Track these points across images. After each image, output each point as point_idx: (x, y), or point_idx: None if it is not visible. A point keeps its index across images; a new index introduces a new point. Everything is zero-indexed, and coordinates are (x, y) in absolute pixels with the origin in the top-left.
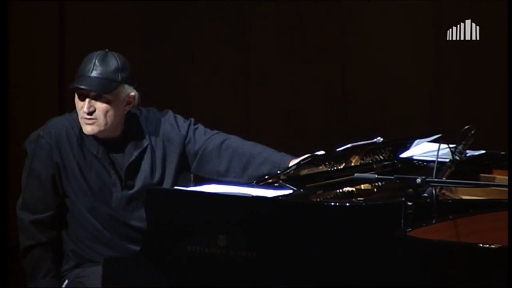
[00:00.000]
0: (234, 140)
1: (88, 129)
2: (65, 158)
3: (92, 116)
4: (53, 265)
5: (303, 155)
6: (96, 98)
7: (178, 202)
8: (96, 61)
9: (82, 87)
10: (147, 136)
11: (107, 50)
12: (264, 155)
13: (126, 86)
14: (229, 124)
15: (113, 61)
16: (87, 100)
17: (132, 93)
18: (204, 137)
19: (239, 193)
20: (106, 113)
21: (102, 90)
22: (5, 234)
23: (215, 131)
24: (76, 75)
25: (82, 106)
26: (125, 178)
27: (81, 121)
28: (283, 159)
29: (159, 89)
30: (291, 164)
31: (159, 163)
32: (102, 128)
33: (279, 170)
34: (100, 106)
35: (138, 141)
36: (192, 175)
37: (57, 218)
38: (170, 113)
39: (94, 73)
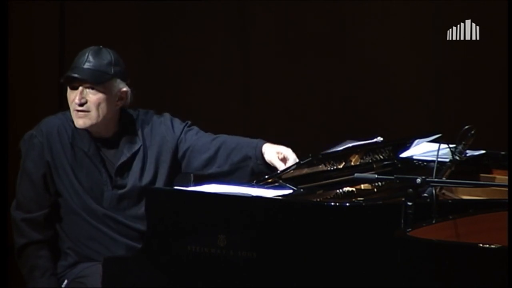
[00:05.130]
0: (226, 136)
1: (80, 122)
2: (56, 156)
3: (83, 108)
4: (49, 263)
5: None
6: (89, 90)
7: (178, 202)
8: (90, 54)
9: (74, 75)
10: (141, 138)
11: (101, 46)
12: (247, 140)
13: (119, 80)
14: (229, 122)
15: (107, 55)
16: (79, 90)
17: (124, 89)
18: (195, 136)
19: (239, 193)
20: (98, 105)
21: (94, 80)
22: (5, 234)
23: (209, 133)
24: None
25: (74, 98)
26: (115, 177)
27: (73, 115)
28: (260, 142)
29: (160, 88)
30: (263, 148)
31: (150, 165)
32: (94, 121)
33: (255, 152)
34: (92, 98)
35: (132, 141)
36: (192, 175)
37: (50, 217)
38: (167, 116)
39: (87, 65)
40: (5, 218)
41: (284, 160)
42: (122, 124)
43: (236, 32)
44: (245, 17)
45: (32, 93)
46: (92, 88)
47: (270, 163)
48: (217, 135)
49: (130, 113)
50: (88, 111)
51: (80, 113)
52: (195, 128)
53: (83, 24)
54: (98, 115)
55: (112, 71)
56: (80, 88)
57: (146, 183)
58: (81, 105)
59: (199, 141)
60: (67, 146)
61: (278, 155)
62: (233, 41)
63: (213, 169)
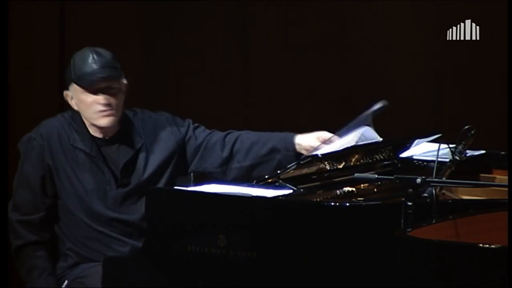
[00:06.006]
0: (237, 132)
1: (106, 121)
2: (57, 159)
3: (110, 107)
4: (47, 263)
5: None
6: (108, 88)
7: (178, 202)
8: (94, 55)
9: (101, 75)
10: (143, 136)
11: (90, 47)
12: (269, 134)
13: (123, 74)
14: (229, 122)
15: (107, 53)
16: (101, 92)
17: (125, 81)
18: (205, 133)
19: (239, 193)
20: (119, 102)
21: (116, 76)
22: (5, 234)
23: (216, 130)
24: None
25: (95, 100)
26: (120, 176)
27: (95, 116)
28: (288, 135)
29: (160, 88)
30: (297, 139)
31: (154, 162)
32: (117, 118)
33: (285, 144)
34: (114, 96)
35: (134, 140)
36: (192, 174)
37: (46, 220)
38: (169, 114)
39: (99, 64)
40: (5, 218)
41: (325, 142)
42: (122, 123)
43: (236, 32)
44: (245, 17)
45: (32, 93)
46: (111, 87)
47: (310, 149)
48: (228, 131)
49: (127, 113)
50: (113, 109)
51: (106, 112)
52: (201, 126)
53: (83, 24)
54: (118, 111)
55: (118, 66)
56: (102, 88)
57: (150, 180)
58: (108, 105)
59: (212, 138)
60: (67, 148)
61: (318, 139)
62: (233, 41)
63: (233, 165)
